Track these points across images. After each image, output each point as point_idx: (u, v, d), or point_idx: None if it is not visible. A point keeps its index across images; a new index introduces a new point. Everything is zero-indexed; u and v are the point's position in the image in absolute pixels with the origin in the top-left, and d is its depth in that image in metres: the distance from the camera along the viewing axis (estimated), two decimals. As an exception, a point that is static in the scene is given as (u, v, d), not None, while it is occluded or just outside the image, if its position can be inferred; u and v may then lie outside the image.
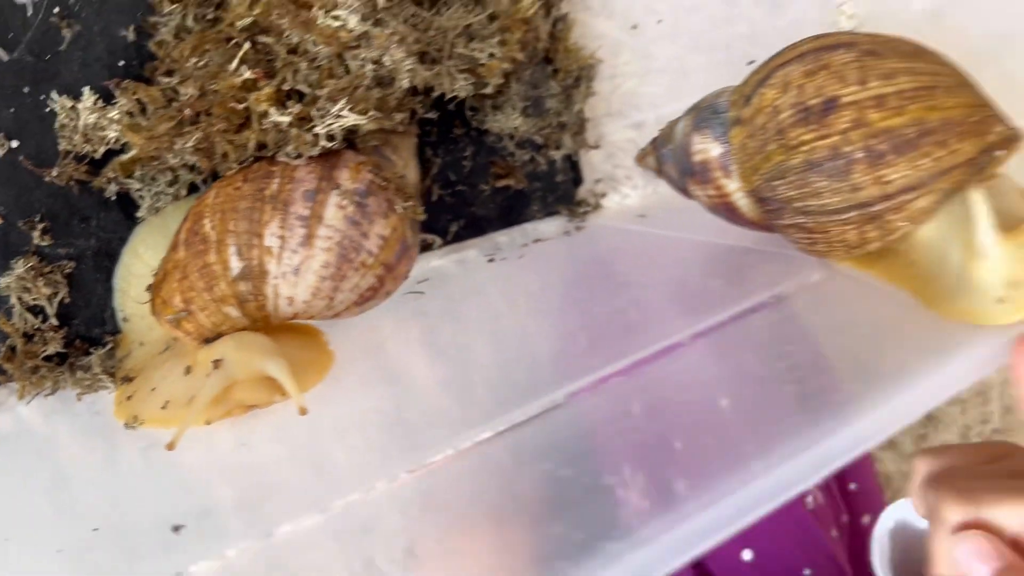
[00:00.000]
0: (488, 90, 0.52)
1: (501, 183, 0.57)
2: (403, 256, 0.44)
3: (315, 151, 0.42)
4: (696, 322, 0.38)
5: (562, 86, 0.58)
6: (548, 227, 0.59)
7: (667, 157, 0.47)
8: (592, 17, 0.60)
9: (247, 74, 0.41)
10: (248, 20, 0.43)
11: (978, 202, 0.31)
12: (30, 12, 0.43)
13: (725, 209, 0.44)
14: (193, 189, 0.47)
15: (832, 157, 0.36)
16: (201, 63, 0.43)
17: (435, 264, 0.56)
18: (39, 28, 0.43)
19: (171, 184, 0.46)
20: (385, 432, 0.40)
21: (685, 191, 0.46)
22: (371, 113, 0.42)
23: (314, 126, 0.41)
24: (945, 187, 0.35)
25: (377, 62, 0.41)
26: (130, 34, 0.45)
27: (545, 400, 0.37)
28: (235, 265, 0.39)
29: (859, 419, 0.27)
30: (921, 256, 0.35)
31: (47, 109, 0.43)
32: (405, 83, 0.43)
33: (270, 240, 0.39)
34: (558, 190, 0.60)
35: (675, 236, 0.49)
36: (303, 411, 0.36)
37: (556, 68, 0.58)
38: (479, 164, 0.56)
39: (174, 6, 0.45)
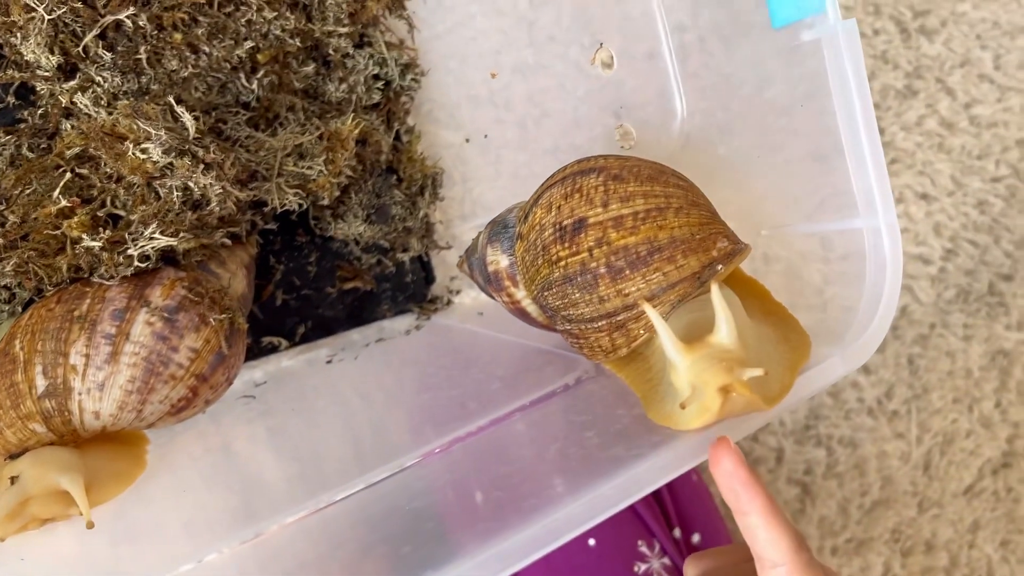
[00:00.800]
0: (324, 202, 0.56)
1: (348, 285, 0.61)
2: (219, 366, 0.46)
3: (129, 271, 0.45)
4: (510, 405, 0.42)
5: (406, 194, 0.62)
6: (397, 325, 0.62)
7: (474, 265, 0.50)
8: (440, 128, 0.64)
9: (63, 202, 0.44)
10: (77, 149, 0.47)
11: (656, 318, 0.35)
12: None
13: (520, 313, 0.47)
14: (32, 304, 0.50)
15: (582, 272, 0.40)
16: (28, 191, 0.46)
17: (285, 365, 0.59)
18: None
19: (7, 302, 0.49)
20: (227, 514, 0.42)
21: (490, 295, 0.49)
22: (183, 235, 0.46)
23: (127, 248, 0.45)
24: (673, 299, 0.38)
25: (185, 189, 0.45)
26: (-35, 163, 0.48)
27: (392, 465, 0.39)
28: (40, 383, 0.42)
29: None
30: (655, 363, 0.39)
31: None
32: (215, 206, 0.46)
33: (75, 358, 0.42)
34: (408, 289, 0.63)
35: (499, 337, 0.52)
36: (90, 525, 0.39)
37: (400, 177, 0.62)
38: (324, 268, 0.60)
39: (8, 137, 0.49)
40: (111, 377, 0.42)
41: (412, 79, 0.61)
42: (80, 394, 0.42)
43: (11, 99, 0.50)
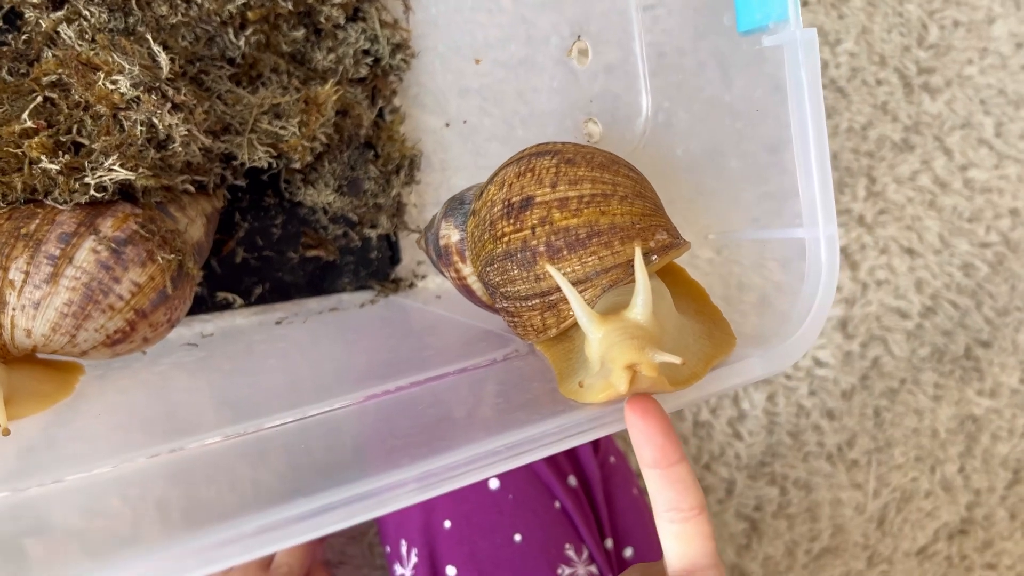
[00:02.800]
0: (296, 165, 0.56)
1: (311, 253, 0.61)
2: (161, 305, 0.47)
3: (83, 199, 0.45)
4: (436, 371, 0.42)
5: (381, 170, 0.62)
6: (355, 298, 0.62)
7: (429, 240, 0.50)
8: (425, 113, 0.65)
9: (28, 123, 0.45)
10: (53, 77, 0.47)
11: (565, 284, 0.35)
12: None
13: (465, 291, 0.47)
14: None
15: (522, 249, 0.40)
16: (1, 110, 0.47)
17: (237, 323, 0.59)
18: None
19: (-36, 218, 0.49)
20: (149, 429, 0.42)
21: (440, 271, 0.50)
22: (142, 171, 0.46)
23: (85, 176, 0.45)
24: (605, 283, 0.38)
25: (149, 125, 0.45)
26: (-56, 78, 0.49)
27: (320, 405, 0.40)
28: (-24, 294, 0.42)
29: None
30: (578, 344, 0.39)
31: None
32: (179, 147, 0.47)
33: (14, 274, 0.42)
34: (371, 265, 0.63)
35: (446, 315, 0.52)
36: (5, 432, 0.39)
37: (378, 154, 0.63)
38: (289, 233, 0.60)
39: (-8, 59, 0.49)
40: (48, 298, 0.42)
41: (402, 59, 0.62)
42: (14, 309, 0.42)
43: (-2, 22, 0.50)
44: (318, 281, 0.61)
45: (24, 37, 0.50)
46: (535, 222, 0.40)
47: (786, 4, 0.38)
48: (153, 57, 0.47)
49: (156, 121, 0.45)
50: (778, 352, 0.37)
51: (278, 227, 0.60)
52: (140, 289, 0.45)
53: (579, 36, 0.47)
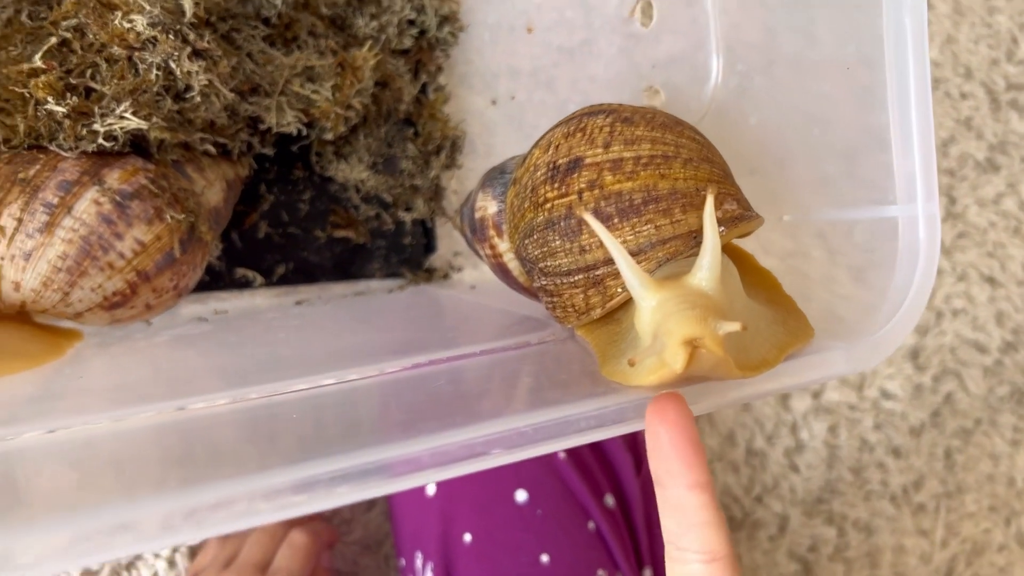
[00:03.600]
0: (328, 136, 0.52)
1: (340, 233, 0.56)
2: (167, 268, 0.42)
3: (90, 147, 0.42)
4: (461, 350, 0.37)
5: (421, 150, 0.58)
6: (383, 285, 0.58)
7: (464, 216, 0.46)
8: (472, 94, 0.60)
9: (38, 62, 0.41)
10: (73, 21, 0.44)
11: (609, 238, 0.29)
12: None
13: (501, 271, 0.42)
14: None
15: (567, 216, 0.35)
16: (14, 53, 0.43)
17: (256, 303, 0.55)
18: None
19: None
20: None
21: (475, 251, 0.45)
22: (155, 120, 0.42)
23: (94, 123, 0.41)
24: (662, 256, 0.33)
25: (166, 70, 0.41)
26: (-39, 19, 0.46)
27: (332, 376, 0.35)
28: (-37, 239, 0.38)
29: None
30: (626, 325, 0.33)
31: None
32: (197, 98, 0.43)
33: (5, 220, 0.38)
34: (404, 252, 0.58)
35: (480, 302, 0.47)
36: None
37: (418, 132, 0.58)
38: (317, 210, 0.56)
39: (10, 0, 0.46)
40: (41, 249, 0.39)
41: (449, 32, 0.58)
42: (2, 259, 0.38)
43: (21, -37, 0.47)
44: (346, 264, 0.57)
45: (46, -21, 0.47)
46: (583, 185, 0.35)
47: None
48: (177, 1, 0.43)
49: (174, 66, 0.41)
50: (865, 345, 0.31)
51: (306, 203, 0.55)
52: (144, 248, 0.41)
53: (643, -6, 0.42)
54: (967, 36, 0.85)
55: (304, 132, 0.51)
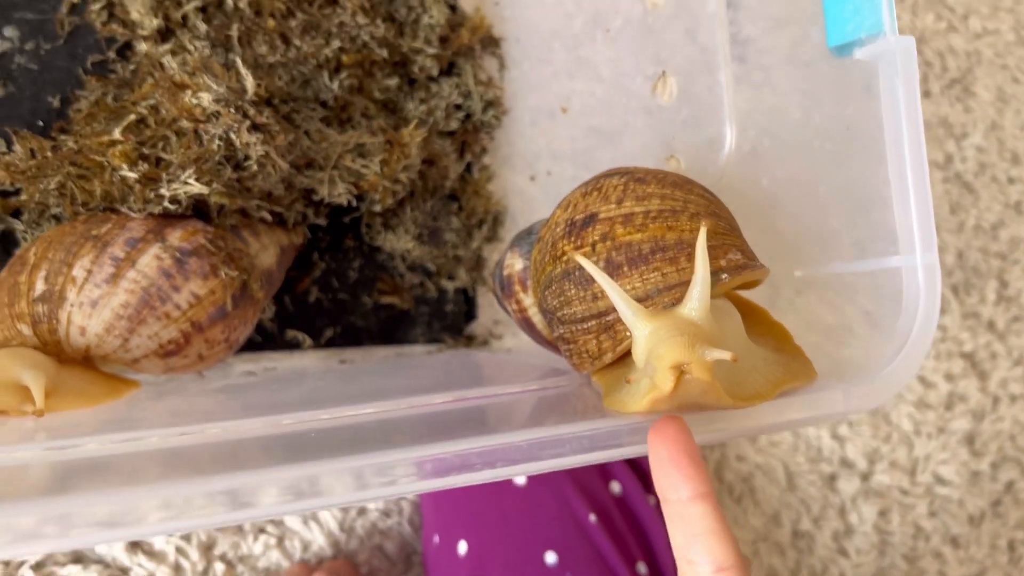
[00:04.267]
0: (377, 208, 0.56)
1: (385, 299, 0.60)
2: (219, 321, 0.46)
3: (157, 209, 0.46)
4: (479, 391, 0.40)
5: (464, 224, 0.61)
6: (424, 349, 0.60)
7: (496, 276, 0.48)
8: (514, 173, 0.64)
9: (117, 135, 0.46)
10: (152, 101, 0.49)
11: (598, 272, 0.31)
12: (-26, 69, 0.50)
13: (527, 325, 0.45)
14: (76, 242, 0.51)
15: (580, 267, 0.37)
16: (98, 128, 0.49)
17: (305, 363, 0.58)
18: (-23, 83, 0.50)
19: (42, 223, 0.51)
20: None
21: (504, 309, 0.47)
22: (216, 186, 0.46)
23: (160, 187, 0.46)
24: (667, 301, 0.34)
25: (227, 141, 0.46)
26: (56, 101, 0.52)
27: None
28: (39, 287, 0.42)
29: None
30: (633, 366, 0.35)
31: (-40, 146, 0.49)
32: (254, 166, 0.47)
33: (77, 271, 0.42)
34: (446, 318, 0.61)
35: (512, 360, 0.49)
36: (39, 413, 0.38)
37: (462, 206, 0.62)
38: (365, 277, 0.59)
39: (98, 83, 0.52)
40: (106, 297, 0.42)
41: (493, 116, 0.62)
42: (72, 305, 0.42)
43: (111, 54, 0.53)
44: (390, 329, 0.60)
45: (132, 67, 0.53)
46: (596, 238, 0.37)
47: (880, 14, 0.35)
48: (239, 80, 0.48)
49: (234, 137, 0.46)
50: (865, 385, 0.32)
51: (355, 270, 0.59)
52: (199, 301, 0.45)
53: (663, 71, 0.45)
54: (1012, 122, 0.85)
55: (355, 204, 0.55)
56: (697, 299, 0.29)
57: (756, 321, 0.39)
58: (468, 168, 0.63)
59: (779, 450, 0.74)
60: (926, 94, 0.83)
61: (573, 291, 0.37)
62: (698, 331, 0.28)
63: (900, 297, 0.34)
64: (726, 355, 0.27)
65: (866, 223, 0.36)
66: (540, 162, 0.61)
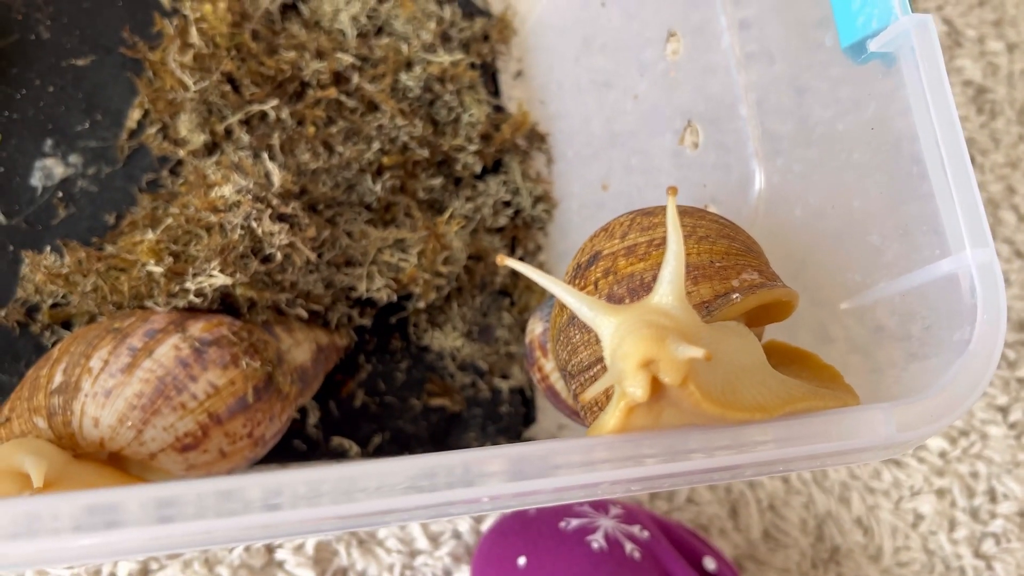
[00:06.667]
0: (420, 304, 0.54)
1: (435, 402, 0.56)
2: (239, 413, 0.44)
3: (182, 303, 0.46)
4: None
5: (517, 319, 0.58)
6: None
7: (525, 350, 0.45)
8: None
9: (150, 236, 0.47)
10: (183, 201, 0.50)
11: (533, 272, 0.27)
12: (39, 192, 0.54)
13: (551, 394, 0.40)
14: (124, 352, 0.52)
15: (584, 308, 0.33)
16: (138, 235, 0.50)
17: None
18: (40, 205, 0.53)
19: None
20: None
21: (531, 380, 0.43)
22: (239, 277, 0.46)
23: (185, 281, 0.46)
24: (671, 330, 0.30)
25: (249, 231, 0.46)
26: (112, 219, 0.54)
27: None
28: (58, 379, 0.42)
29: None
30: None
31: (20, 263, 0.52)
32: (278, 255, 0.46)
33: (95, 362, 0.42)
34: (501, 420, 0.57)
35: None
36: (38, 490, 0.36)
37: (514, 302, 0.59)
38: (413, 378, 0.56)
39: (151, 201, 0.54)
40: (120, 387, 0.42)
41: (543, 210, 0.60)
42: (86, 396, 0.41)
43: (164, 172, 0.55)
44: (441, 434, 0.56)
45: (181, 181, 0.55)
46: (599, 275, 0.33)
47: (890, 1, 0.31)
48: (267, 174, 0.48)
49: (255, 225, 0.46)
50: (913, 407, 0.26)
51: (403, 372, 0.56)
52: (217, 391, 0.43)
53: (689, 121, 0.42)
54: None
55: (399, 302, 0.54)
56: (668, 282, 0.25)
57: (804, 367, 0.34)
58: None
59: (908, 571, 0.63)
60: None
61: (578, 336, 0.33)
62: (670, 322, 0.24)
63: (953, 305, 0.28)
64: (699, 352, 0.22)
65: (907, 229, 0.31)
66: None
